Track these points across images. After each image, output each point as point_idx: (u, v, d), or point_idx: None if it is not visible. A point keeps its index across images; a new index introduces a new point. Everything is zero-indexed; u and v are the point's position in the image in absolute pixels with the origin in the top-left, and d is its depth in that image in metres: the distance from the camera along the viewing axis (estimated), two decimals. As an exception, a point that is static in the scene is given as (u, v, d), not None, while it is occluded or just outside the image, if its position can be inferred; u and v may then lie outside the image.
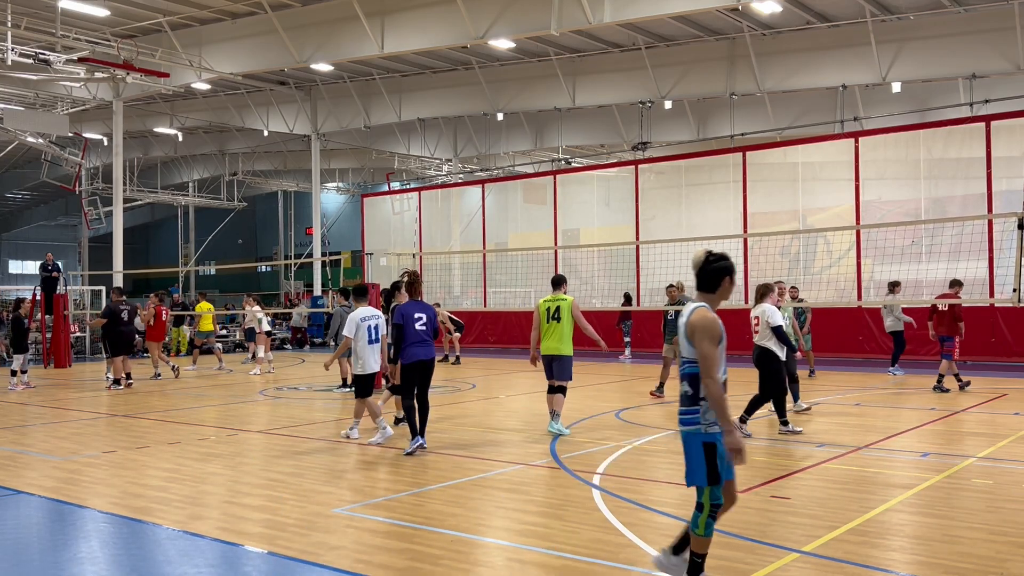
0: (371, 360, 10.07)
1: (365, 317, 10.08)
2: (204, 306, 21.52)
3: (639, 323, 22.46)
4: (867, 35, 23.44)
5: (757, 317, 10.15)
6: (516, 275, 26.17)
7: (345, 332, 10.18)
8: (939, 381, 13.85)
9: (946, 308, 13.87)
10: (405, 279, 9.63)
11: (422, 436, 9.30)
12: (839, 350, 19.98)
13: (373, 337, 10.06)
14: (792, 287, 16.83)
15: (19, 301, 20.09)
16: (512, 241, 27.78)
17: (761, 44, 25.46)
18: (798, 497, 6.95)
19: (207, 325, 21.61)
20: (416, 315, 9.28)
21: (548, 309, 10.43)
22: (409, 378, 9.25)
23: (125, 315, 17.09)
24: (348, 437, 10.14)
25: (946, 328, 13.90)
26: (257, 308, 20.28)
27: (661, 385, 13.62)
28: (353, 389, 15.22)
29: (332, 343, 16.02)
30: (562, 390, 10.40)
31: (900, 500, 6.82)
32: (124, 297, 17.71)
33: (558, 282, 10.71)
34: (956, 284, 14.22)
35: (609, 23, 20.59)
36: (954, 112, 23.47)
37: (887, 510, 6.51)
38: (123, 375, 16.72)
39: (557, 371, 10.36)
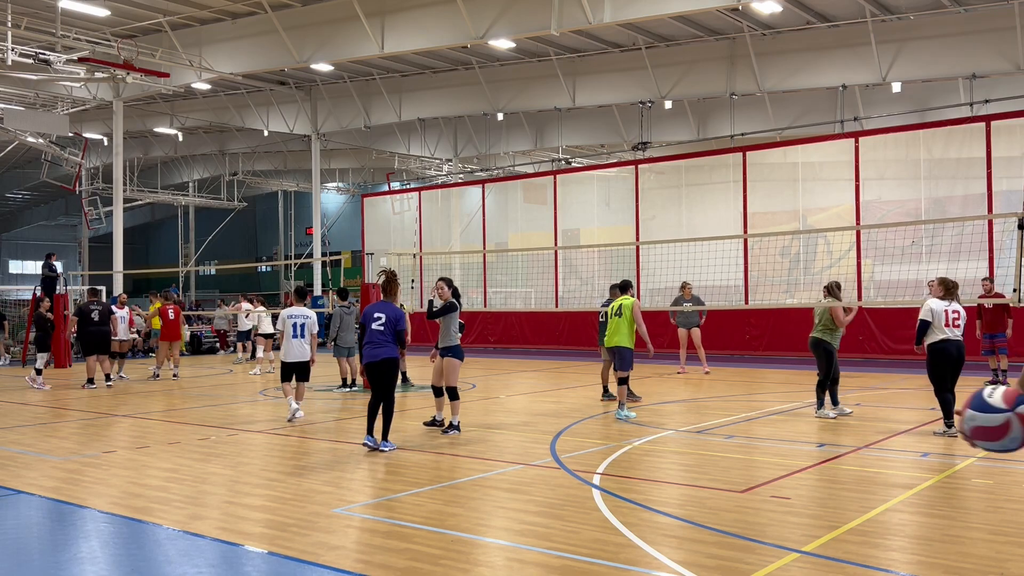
0: (291, 351, 11.54)
1: (292, 315, 11.56)
2: (158, 305, 21.23)
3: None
4: (867, 35, 23.43)
5: (958, 311, 9.73)
6: (516, 275, 26.15)
7: (277, 327, 11.88)
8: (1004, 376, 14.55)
9: (991, 307, 14.61)
10: (381, 280, 9.68)
11: (383, 437, 9.19)
12: (839, 350, 19.92)
13: (297, 333, 11.49)
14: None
15: (40, 300, 20.06)
16: (512, 241, 27.75)
17: (761, 44, 25.46)
18: (798, 497, 6.95)
19: (158, 323, 21.37)
20: (375, 315, 9.35)
21: (612, 307, 11.91)
22: (368, 378, 9.67)
23: (96, 315, 16.76)
24: (297, 417, 11.65)
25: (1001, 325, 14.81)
26: (262, 309, 20.22)
27: (606, 389, 13.68)
28: (352, 389, 15.47)
29: (331, 344, 16.00)
30: (623, 381, 11.51)
31: (900, 500, 6.82)
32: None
33: (623, 288, 12.11)
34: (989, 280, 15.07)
35: (609, 23, 20.56)
36: (954, 112, 23.44)
37: (887, 510, 6.51)
38: (103, 375, 16.79)
39: (618, 362, 11.60)
